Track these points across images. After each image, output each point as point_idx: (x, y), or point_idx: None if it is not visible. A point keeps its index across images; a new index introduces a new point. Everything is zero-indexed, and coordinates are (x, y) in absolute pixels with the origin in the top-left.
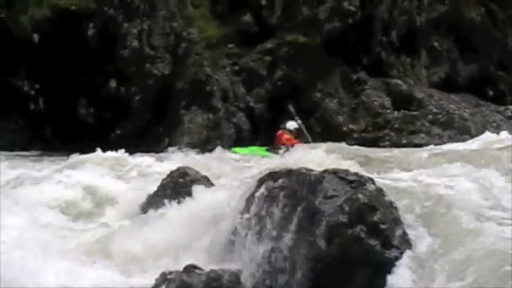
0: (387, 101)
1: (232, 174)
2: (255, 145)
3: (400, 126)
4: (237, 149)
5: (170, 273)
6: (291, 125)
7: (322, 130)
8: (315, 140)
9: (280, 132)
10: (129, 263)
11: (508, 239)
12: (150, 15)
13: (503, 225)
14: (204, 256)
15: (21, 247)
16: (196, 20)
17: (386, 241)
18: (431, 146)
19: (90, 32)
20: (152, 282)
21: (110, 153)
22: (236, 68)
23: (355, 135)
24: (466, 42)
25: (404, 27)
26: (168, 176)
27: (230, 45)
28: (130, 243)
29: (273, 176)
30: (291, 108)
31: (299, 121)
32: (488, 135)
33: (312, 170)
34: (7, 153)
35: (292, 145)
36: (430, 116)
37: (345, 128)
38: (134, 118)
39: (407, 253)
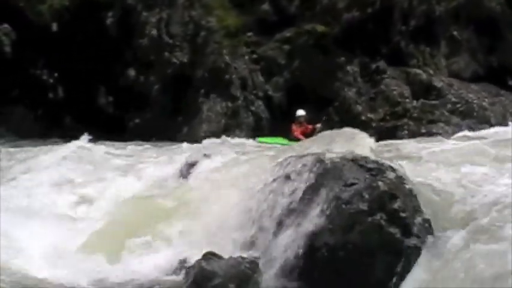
0: (406, 90)
1: (253, 161)
2: (280, 136)
3: (419, 115)
4: (261, 139)
5: (189, 259)
6: (299, 113)
7: (340, 119)
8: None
9: (293, 126)
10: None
11: None
12: (169, 3)
13: None
14: (225, 243)
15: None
16: (215, 9)
17: (406, 229)
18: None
19: (109, 20)
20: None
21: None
22: (255, 56)
23: (374, 124)
24: (486, 32)
25: (423, 17)
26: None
27: (249, 34)
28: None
29: (293, 163)
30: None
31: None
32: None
33: (332, 158)
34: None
35: (301, 135)
36: (449, 106)
37: (363, 117)
38: (153, 107)
39: (427, 241)
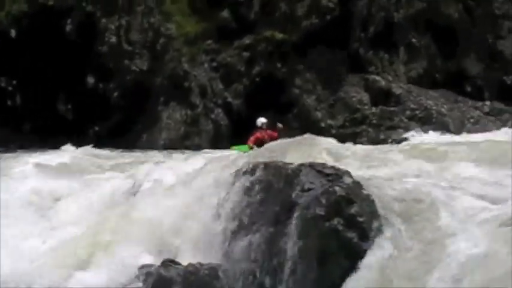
0: (365, 97)
1: (210, 168)
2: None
3: (378, 121)
4: (235, 147)
5: (148, 267)
6: (259, 121)
7: (300, 126)
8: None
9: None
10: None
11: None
12: (129, 10)
13: (484, 223)
14: (184, 250)
15: None
16: (175, 16)
17: (363, 234)
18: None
19: (68, 27)
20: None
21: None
22: (214, 64)
23: (333, 131)
24: (444, 39)
25: (382, 24)
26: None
27: (208, 41)
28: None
29: (250, 169)
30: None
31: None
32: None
33: (288, 164)
34: None
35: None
36: (408, 112)
37: (323, 124)
38: (113, 114)
39: (384, 246)
